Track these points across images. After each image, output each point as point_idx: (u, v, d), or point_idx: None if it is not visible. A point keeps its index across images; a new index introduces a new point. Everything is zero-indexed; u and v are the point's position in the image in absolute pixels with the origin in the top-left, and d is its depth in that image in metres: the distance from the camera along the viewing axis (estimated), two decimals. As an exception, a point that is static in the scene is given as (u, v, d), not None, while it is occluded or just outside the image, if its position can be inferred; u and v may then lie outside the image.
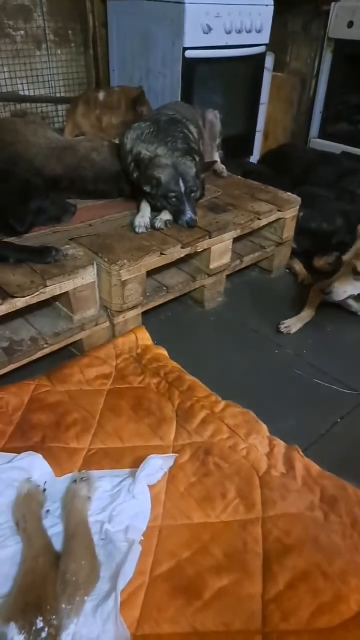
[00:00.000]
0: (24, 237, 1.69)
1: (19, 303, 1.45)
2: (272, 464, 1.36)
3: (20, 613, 0.90)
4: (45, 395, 1.53)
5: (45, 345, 1.58)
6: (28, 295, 1.46)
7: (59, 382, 1.59)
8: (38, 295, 1.48)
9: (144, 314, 1.90)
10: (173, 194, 1.88)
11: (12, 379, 1.56)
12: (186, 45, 2.63)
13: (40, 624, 0.89)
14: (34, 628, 0.88)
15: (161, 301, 1.93)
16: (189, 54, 2.66)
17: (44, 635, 0.88)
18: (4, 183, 1.63)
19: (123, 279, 1.67)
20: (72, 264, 1.59)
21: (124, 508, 1.19)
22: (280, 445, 1.42)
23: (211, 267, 2.01)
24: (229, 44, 2.83)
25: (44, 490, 1.22)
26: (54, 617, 0.91)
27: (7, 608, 0.92)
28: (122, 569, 1.04)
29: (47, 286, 1.50)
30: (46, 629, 0.89)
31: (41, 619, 0.90)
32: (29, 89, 2.79)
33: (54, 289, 1.52)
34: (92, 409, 1.51)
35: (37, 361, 1.63)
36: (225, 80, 3.08)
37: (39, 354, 1.59)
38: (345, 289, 1.90)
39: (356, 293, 1.94)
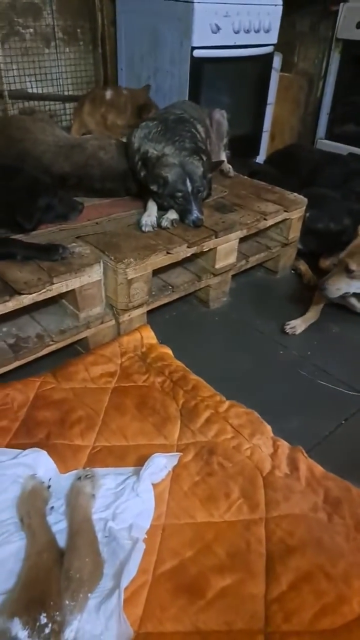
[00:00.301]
0: (31, 234, 1.69)
1: (26, 300, 1.45)
2: (275, 465, 1.36)
3: (23, 609, 0.90)
4: (50, 392, 1.54)
5: (51, 343, 1.59)
6: (35, 292, 1.46)
7: (64, 379, 1.59)
8: (44, 292, 1.49)
9: (149, 312, 1.90)
10: (180, 193, 1.88)
11: (18, 376, 1.57)
12: (194, 45, 2.63)
13: (43, 620, 0.89)
14: (38, 624, 0.88)
15: (166, 300, 1.93)
16: (197, 53, 2.66)
17: (47, 630, 0.88)
18: (12, 180, 1.63)
19: (129, 278, 1.67)
20: (78, 262, 1.59)
21: (128, 506, 1.19)
22: (284, 446, 1.42)
23: (216, 266, 2.01)
24: (237, 43, 2.83)
25: (49, 486, 1.22)
26: (58, 613, 0.92)
27: (11, 603, 0.92)
28: (126, 567, 1.04)
29: (53, 283, 1.50)
30: (49, 625, 0.89)
31: (45, 614, 0.90)
32: (37, 87, 2.79)
33: (60, 286, 1.53)
34: (97, 406, 1.51)
35: (42, 358, 1.64)
36: (232, 80, 3.08)
37: (45, 351, 1.59)
38: (338, 286, 1.90)
39: (350, 291, 1.95)
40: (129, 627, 0.98)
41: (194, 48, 2.63)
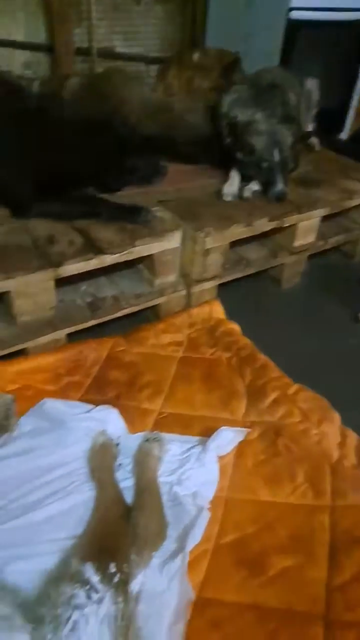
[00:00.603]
0: (114, 195, 1.69)
1: (108, 259, 1.46)
2: (343, 454, 1.31)
3: (95, 555, 0.93)
4: (121, 354, 1.56)
5: (126, 306, 1.60)
6: (117, 253, 1.46)
7: (135, 343, 1.60)
8: (126, 254, 1.48)
9: (219, 285, 1.87)
10: (266, 163, 1.80)
11: (88, 335, 1.59)
12: (292, 5, 2.47)
13: (112, 569, 0.92)
14: (108, 571, 0.91)
15: (239, 275, 1.88)
16: (295, 14, 2.50)
17: (115, 580, 0.91)
18: (103, 137, 1.61)
19: (207, 247, 1.64)
20: (160, 227, 1.58)
21: (193, 474, 1.20)
22: (353, 437, 1.37)
23: (295, 244, 1.94)
24: (337, 5, 2.63)
25: (117, 444, 1.25)
26: (125, 565, 0.94)
27: (83, 549, 0.96)
28: (191, 532, 1.05)
29: (135, 246, 1.49)
30: (118, 575, 0.92)
31: (113, 564, 0.93)
32: (123, 46, 2.74)
33: (141, 249, 1.52)
34: (164, 373, 1.52)
35: (111, 321, 1.65)
36: (326, 47, 2.87)
37: (119, 313, 1.60)
38: None
39: None
40: (190, 590, 0.99)
41: (291, 9, 2.47)
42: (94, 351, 1.53)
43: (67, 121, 1.59)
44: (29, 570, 0.94)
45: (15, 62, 2.34)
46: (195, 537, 1.06)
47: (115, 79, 2.06)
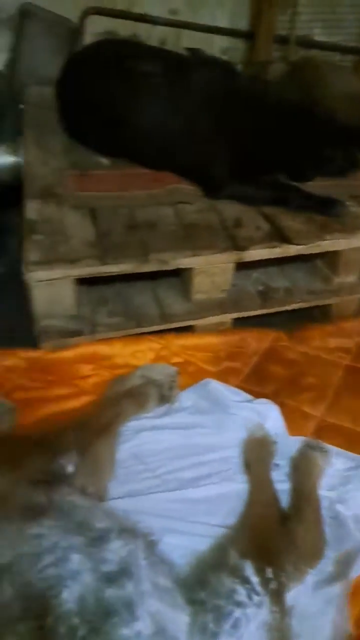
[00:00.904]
0: (304, 184, 1.60)
1: (292, 250, 1.38)
2: None
3: (254, 555, 0.87)
4: (283, 349, 1.48)
5: (297, 300, 1.51)
6: (304, 244, 1.37)
7: (298, 341, 1.51)
8: (313, 246, 1.39)
9: None
10: None
11: (250, 324, 1.54)
12: None
13: (269, 574, 0.85)
14: (265, 576, 0.85)
15: None
16: None
17: (272, 586, 0.84)
18: (304, 125, 1.53)
19: None
20: (352, 223, 1.45)
21: (356, 496, 1.07)
22: None
23: None
24: None
25: (275, 442, 1.18)
26: (283, 573, 0.87)
27: (242, 544, 0.91)
28: (357, 560, 0.94)
29: (324, 239, 1.39)
30: (274, 582, 0.85)
31: (270, 570, 0.86)
32: (322, 34, 2.61)
33: (330, 244, 1.41)
34: (328, 379, 1.40)
35: (272, 313, 1.57)
36: None
37: (289, 307, 1.52)
38: None
39: None
40: (347, 622, 0.89)
41: None
42: (255, 341, 1.48)
43: (270, 106, 1.54)
44: (183, 546, 0.92)
45: (214, 48, 2.38)
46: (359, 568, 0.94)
47: (319, 67, 1.96)
